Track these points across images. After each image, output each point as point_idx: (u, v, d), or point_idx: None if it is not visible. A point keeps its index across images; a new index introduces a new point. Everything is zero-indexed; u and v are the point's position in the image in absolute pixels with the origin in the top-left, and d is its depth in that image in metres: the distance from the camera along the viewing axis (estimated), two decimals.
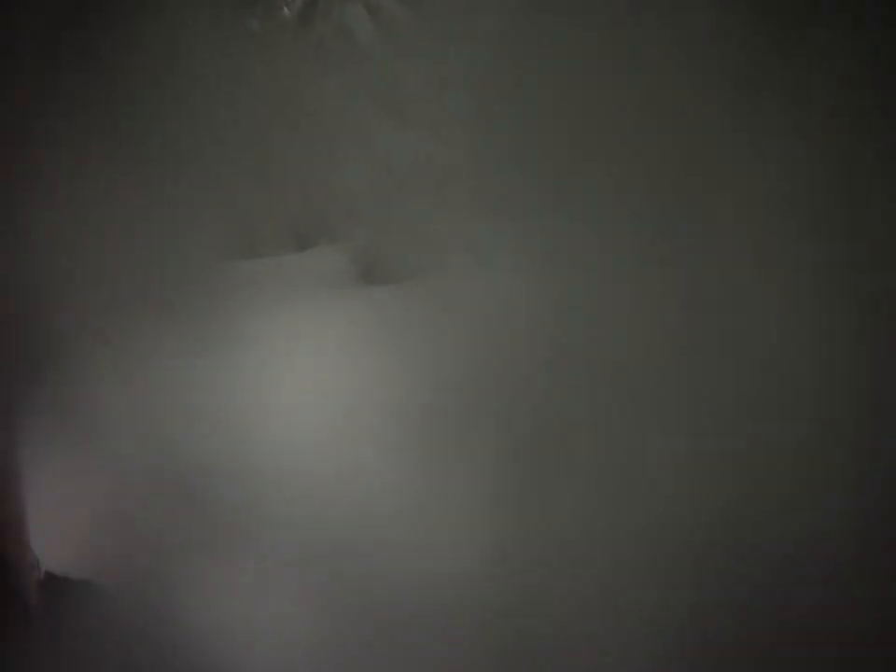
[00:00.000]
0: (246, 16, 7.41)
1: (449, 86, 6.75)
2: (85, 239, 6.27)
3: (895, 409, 5.65)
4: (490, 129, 6.39)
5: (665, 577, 5.77)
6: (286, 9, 7.64)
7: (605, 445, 6.16)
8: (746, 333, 5.98)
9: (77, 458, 7.03)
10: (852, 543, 5.55)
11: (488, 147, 6.44)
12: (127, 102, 6.26)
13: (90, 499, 7.20)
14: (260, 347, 9.07)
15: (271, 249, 8.93)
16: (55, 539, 7.00)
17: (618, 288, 6.23)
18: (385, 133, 7.45)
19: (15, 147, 5.98)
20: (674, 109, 5.93)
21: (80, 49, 6.07)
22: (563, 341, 6.36)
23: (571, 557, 6.11)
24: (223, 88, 6.56)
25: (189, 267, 6.96)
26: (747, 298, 5.98)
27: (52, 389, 7.06)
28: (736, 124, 5.83)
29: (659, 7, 5.96)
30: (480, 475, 6.46)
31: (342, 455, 7.25)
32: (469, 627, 6.14)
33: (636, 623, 5.77)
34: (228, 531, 6.64)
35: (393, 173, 7.65)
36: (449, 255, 7.62)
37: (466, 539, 6.28)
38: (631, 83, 6.01)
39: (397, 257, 8.91)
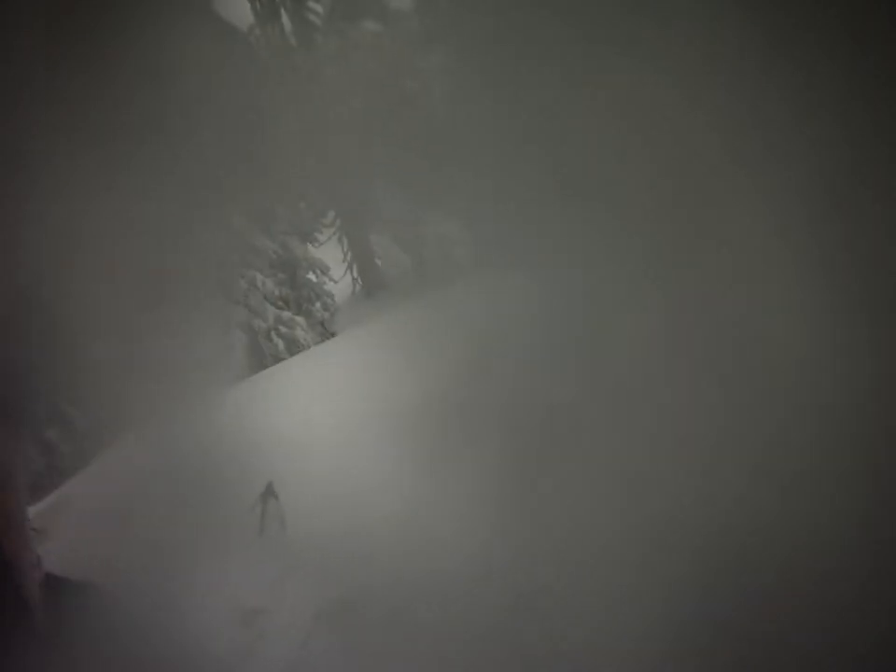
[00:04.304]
0: (243, 19, 7.43)
1: (458, 93, 6.74)
2: (85, 239, 6.29)
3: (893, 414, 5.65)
4: (495, 139, 6.40)
5: (668, 574, 5.76)
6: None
7: (609, 447, 6.15)
8: (750, 339, 5.98)
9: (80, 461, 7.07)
10: (854, 542, 5.54)
11: (491, 157, 6.45)
12: (128, 105, 6.28)
13: (92, 501, 7.22)
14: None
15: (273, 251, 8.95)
16: (56, 539, 7.02)
17: (622, 292, 6.23)
18: (388, 140, 7.46)
19: (16, 150, 6.00)
20: (679, 114, 5.94)
21: (81, 51, 6.10)
22: (569, 344, 6.36)
23: (574, 557, 6.10)
24: (223, 91, 6.57)
25: (193, 267, 6.98)
26: (754, 304, 5.98)
27: (55, 393, 7.08)
28: (743, 130, 5.84)
29: (660, 11, 5.97)
30: (484, 476, 6.46)
31: (346, 456, 7.25)
32: (472, 624, 6.13)
33: (638, 619, 5.75)
34: (229, 532, 6.65)
35: (397, 181, 7.65)
36: (457, 259, 7.63)
37: (469, 539, 6.28)
38: (635, 85, 6.02)
39: (401, 264, 8.90)
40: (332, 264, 9.50)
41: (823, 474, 5.73)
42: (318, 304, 9.52)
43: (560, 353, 6.45)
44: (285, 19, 7.49)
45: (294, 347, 9.16)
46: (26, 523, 6.56)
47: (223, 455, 6.85)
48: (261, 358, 8.98)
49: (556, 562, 6.16)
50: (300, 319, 9.28)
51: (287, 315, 9.18)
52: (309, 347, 9.20)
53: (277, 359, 8.99)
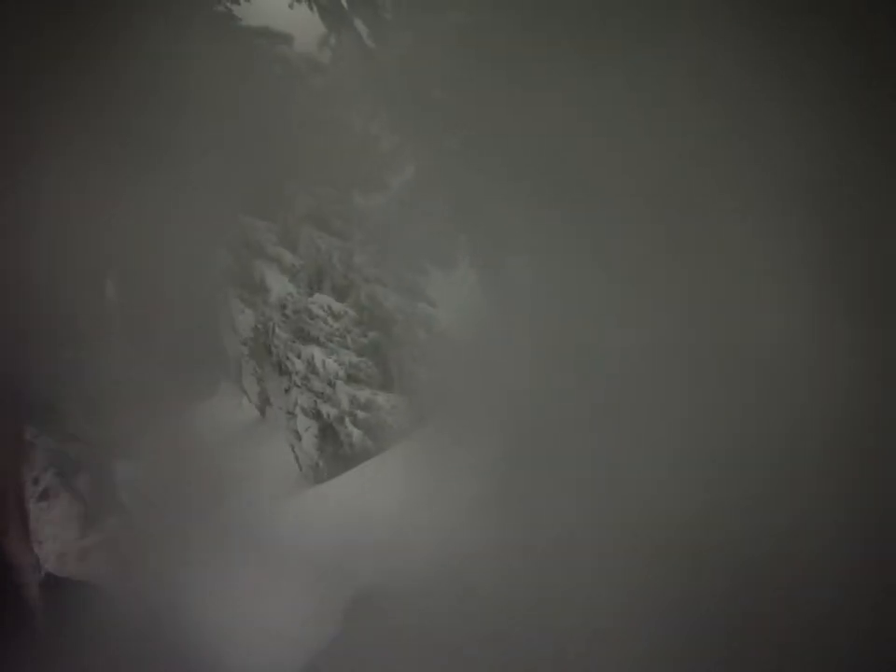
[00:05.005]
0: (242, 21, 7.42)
1: (452, 112, 6.76)
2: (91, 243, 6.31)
3: (873, 416, 5.70)
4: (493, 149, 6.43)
5: (656, 569, 5.79)
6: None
7: (609, 447, 6.18)
8: (738, 342, 6.02)
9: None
10: (830, 536, 5.61)
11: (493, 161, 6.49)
12: (131, 107, 6.30)
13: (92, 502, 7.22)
14: None
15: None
16: (56, 540, 7.02)
17: (617, 295, 6.26)
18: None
19: (20, 150, 6.02)
20: (676, 119, 5.97)
21: (86, 53, 6.12)
22: (562, 347, 6.39)
23: (573, 557, 6.11)
24: (225, 94, 6.59)
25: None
26: (743, 309, 6.02)
27: (57, 395, 7.09)
28: (739, 134, 5.87)
29: (649, 17, 6.02)
30: (480, 477, 6.48)
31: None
32: (469, 624, 6.14)
33: (638, 619, 5.77)
34: (229, 534, 6.66)
35: (404, 198, 7.64)
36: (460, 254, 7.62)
37: (466, 540, 6.29)
38: (627, 89, 6.05)
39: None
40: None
41: (823, 474, 5.77)
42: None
43: (559, 354, 6.46)
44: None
45: (380, 433, 7.25)
46: (27, 523, 6.57)
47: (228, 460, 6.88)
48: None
49: (555, 562, 6.18)
50: (382, 398, 7.34)
51: (365, 394, 7.34)
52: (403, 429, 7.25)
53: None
